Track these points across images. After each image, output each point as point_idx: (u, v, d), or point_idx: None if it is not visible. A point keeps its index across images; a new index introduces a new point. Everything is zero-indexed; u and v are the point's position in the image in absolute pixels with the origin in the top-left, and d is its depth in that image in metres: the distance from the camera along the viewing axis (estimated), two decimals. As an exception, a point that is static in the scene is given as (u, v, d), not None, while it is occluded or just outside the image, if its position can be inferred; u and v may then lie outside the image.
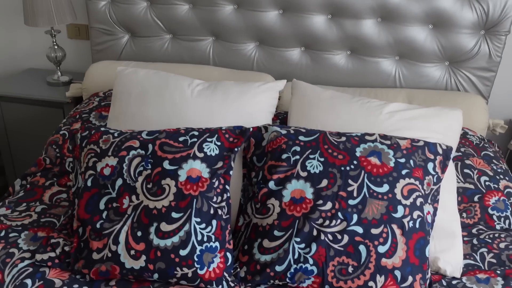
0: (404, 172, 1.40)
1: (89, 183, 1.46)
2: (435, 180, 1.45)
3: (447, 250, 1.45)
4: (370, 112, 1.68)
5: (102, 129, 1.59)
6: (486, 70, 2.09)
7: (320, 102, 1.75)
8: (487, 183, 1.71)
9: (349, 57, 2.22)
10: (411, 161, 1.43)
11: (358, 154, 1.43)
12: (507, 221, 1.63)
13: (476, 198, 1.67)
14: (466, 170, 1.74)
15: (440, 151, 1.48)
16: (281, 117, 1.95)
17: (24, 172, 1.88)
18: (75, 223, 1.46)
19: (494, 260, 1.48)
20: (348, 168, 1.40)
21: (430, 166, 1.45)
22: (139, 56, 2.41)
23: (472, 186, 1.70)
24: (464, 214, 1.64)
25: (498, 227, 1.62)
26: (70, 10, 2.41)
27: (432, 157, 1.46)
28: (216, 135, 1.51)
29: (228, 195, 1.46)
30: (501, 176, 1.74)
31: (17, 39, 2.76)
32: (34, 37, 2.71)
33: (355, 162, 1.41)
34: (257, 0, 2.17)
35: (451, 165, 1.65)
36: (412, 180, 1.40)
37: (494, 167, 1.78)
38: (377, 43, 2.14)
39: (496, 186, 1.70)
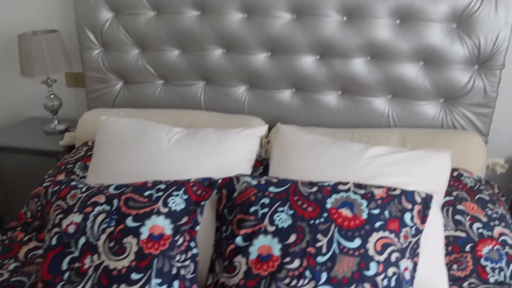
0: (377, 224, 1.30)
1: (53, 242, 1.41)
2: (413, 232, 1.34)
3: (432, 309, 1.33)
4: (350, 158, 1.59)
5: (72, 183, 1.55)
6: (483, 106, 1.98)
7: (300, 148, 1.67)
8: (480, 230, 1.56)
9: (340, 97, 2.14)
10: (386, 212, 1.32)
11: (328, 205, 1.34)
12: (501, 273, 1.47)
13: (468, 248, 1.52)
14: (457, 217, 1.60)
15: (418, 199, 1.37)
16: (265, 163, 1.87)
17: (5, 227, 1.85)
18: (39, 284, 1.41)
19: (485, 320, 1.34)
20: (317, 221, 1.31)
21: (407, 216, 1.34)
22: (132, 102, 2.40)
23: (463, 234, 1.55)
24: (455, 266, 1.49)
25: (491, 280, 1.46)
26: (65, 59, 2.44)
27: (409, 206, 1.35)
28: (183, 188, 1.44)
29: (194, 252, 1.39)
30: (496, 222, 1.60)
31: (17, 89, 2.80)
32: (34, 86, 2.74)
33: (325, 214, 1.32)
34: (246, 44, 2.14)
35: (437, 213, 1.52)
36: (386, 233, 1.29)
37: (489, 212, 1.63)
38: (367, 82, 2.06)
39: (490, 233, 1.55)
